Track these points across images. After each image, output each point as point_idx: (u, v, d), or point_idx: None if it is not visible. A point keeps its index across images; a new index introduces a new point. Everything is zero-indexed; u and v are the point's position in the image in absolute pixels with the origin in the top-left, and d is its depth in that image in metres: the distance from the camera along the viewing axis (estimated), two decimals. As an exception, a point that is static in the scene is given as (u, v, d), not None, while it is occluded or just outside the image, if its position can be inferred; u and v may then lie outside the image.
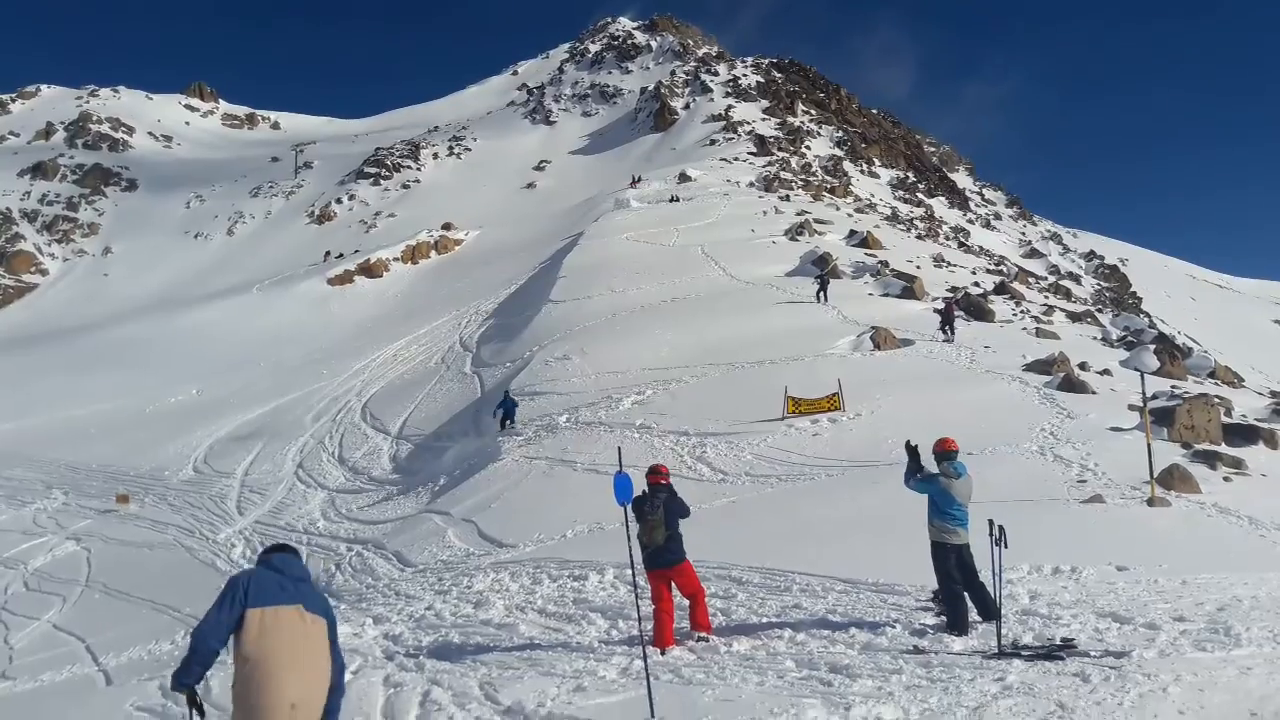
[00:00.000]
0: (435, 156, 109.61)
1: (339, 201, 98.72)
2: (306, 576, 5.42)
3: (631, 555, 9.03)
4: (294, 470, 30.79)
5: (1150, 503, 13.51)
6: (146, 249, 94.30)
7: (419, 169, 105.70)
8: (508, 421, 26.59)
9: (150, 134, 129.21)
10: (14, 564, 25.22)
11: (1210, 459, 16.58)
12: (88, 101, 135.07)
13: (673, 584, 9.57)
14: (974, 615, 9.12)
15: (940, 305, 31.42)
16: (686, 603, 9.72)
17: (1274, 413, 21.66)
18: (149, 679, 12.05)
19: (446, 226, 75.92)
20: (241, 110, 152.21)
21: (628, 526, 8.80)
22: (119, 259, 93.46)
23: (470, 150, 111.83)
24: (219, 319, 59.45)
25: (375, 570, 17.16)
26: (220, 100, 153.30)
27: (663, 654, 9.01)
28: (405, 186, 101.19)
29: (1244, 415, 21.11)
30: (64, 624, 19.78)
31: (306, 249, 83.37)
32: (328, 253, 76.76)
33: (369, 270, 67.31)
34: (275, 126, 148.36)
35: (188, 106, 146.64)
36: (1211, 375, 28.62)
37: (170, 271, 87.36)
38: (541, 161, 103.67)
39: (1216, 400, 21.04)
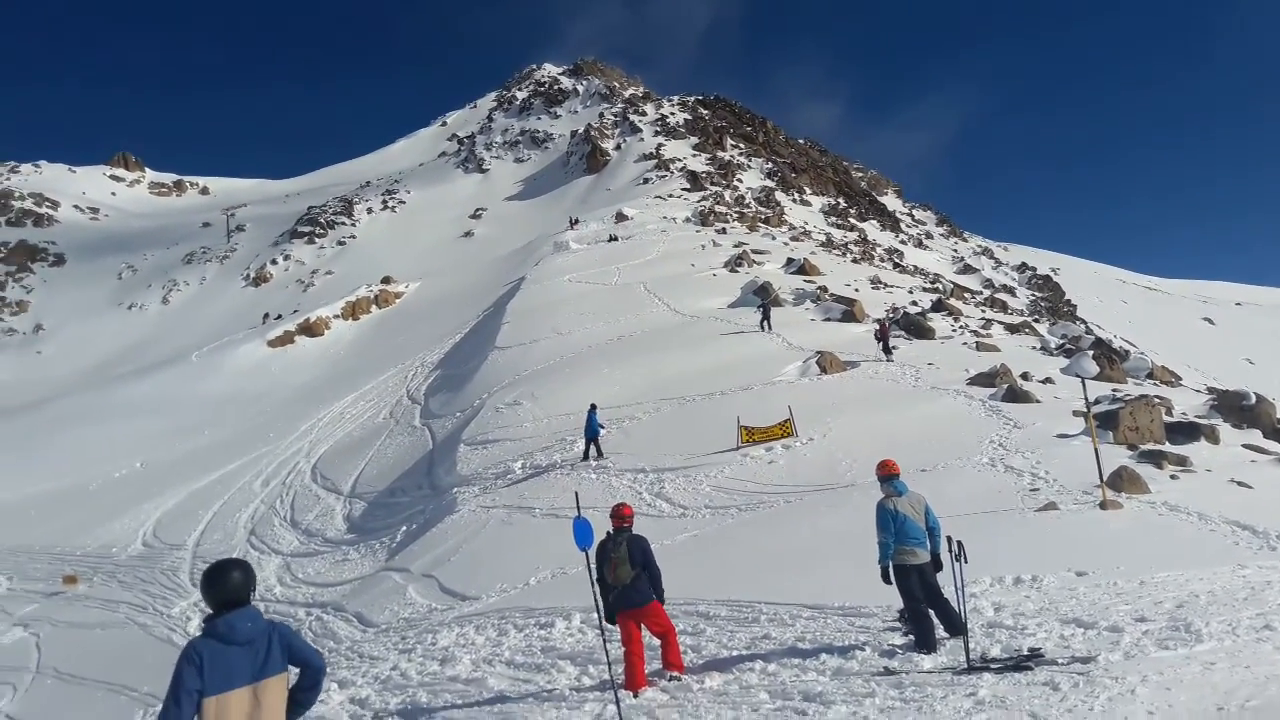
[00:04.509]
0: (369, 211, 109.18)
1: (274, 262, 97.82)
2: (256, 635, 5.04)
3: (597, 600, 8.96)
4: (246, 538, 30.17)
5: (1103, 506, 13.74)
6: (80, 323, 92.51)
7: (353, 225, 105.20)
8: (592, 449, 23.70)
9: (76, 207, 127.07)
10: (-42, 657, 24.36)
11: (1156, 458, 16.92)
12: (8, 178, 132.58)
13: (642, 624, 9.50)
14: (941, 632, 9.18)
15: (875, 327, 31.89)
16: (657, 642, 9.66)
17: (1212, 409, 22.19)
18: (109, 766, 11.69)
19: (386, 280, 75.44)
20: (168, 177, 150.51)
21: (590, 573, 8.74)
22: (51, 335, 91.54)
23: (404, 203, 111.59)
24: (159, 388, 58.24)
25: (336, 633, 16.83)
26: (146, 169, 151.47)
27: (635, 696, 8.91)
28: (341, 243, 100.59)
29: (1184, 413, 21.61)
30: (16, 714, 19.14)
31: (244, 312, 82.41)
32: (266, 314, 75.85)
33: (309, 329, 66.51)
34: (204, 192, 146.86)
35: (113, 177, 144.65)
36: (1150, 376, 29.29)
37: (106, 344, 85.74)
38: (478, 209, 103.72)
39: (1157, 400, 21.53)
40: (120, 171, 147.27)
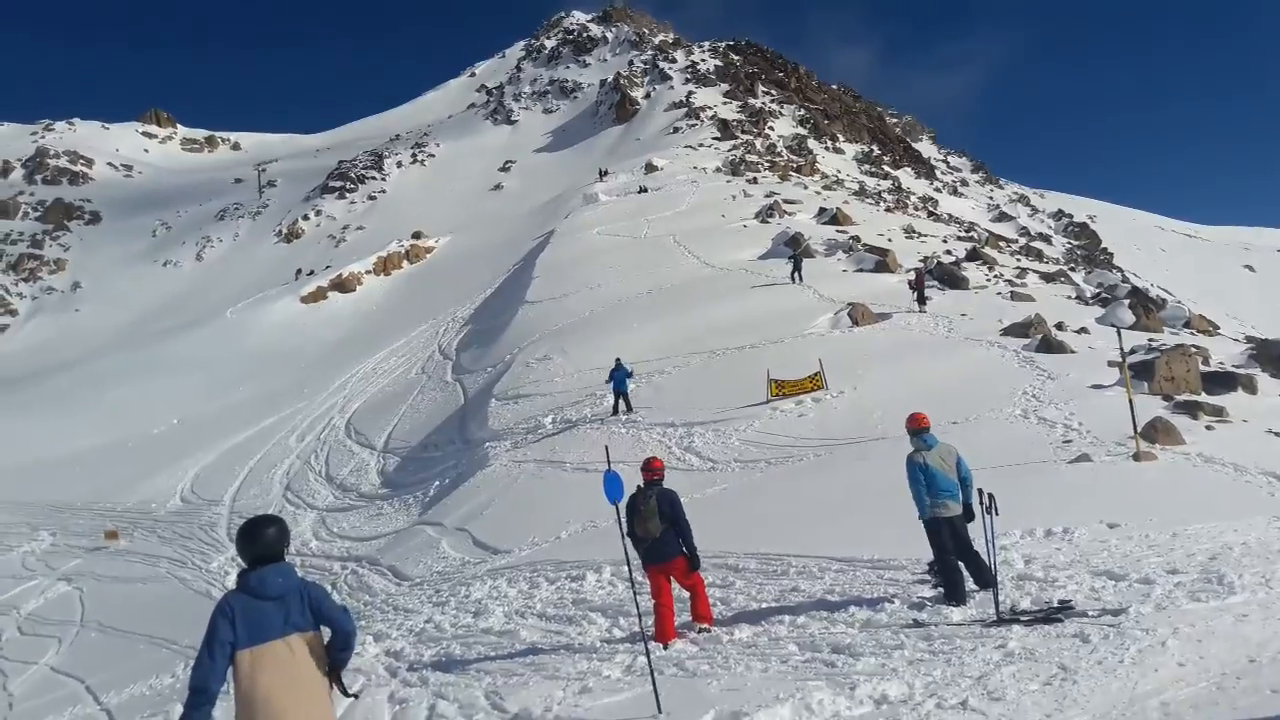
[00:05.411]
0: (399, 165, 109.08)
1: (306, 218, 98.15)
2: (287, 590, 5.17)
3: (627, 552, 9.01)
4: (282, 493, 30.64)
5: (1136, 457, 13.60)
6: (116, 280, 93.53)
7: (384, 179, 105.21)
8: (621, 402, 23.67)
9: (110, 164, 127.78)
10: (6, 609, 24.98)
11: (1192, 409, 16.71)
12: (43, 136, 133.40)
13: (671, 577, 9.56)
14: (971, 584, 9.16)
15: (911, 276, 31.60)
16: (686, 595, 9.72)
17: (1251, 358, 21.85)
18: (153, 715, 11.96)
19: (416, 235, 75.57)
20: (200, 133, 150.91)
21: (621, 525, 8.78)
22: (89, 293, 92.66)
23: (434, 156, 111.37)
24: (195, 346, 58.97)
25: (371, 587, 17.09)
26: (178, 125, 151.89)
27: (665, 648, 8.99)
28: (371, 198, 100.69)
29: (1222, 363, 21.30)
30: (62, 666, 19.61)
31: (277, 268, 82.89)
32: (299, 270, 76.30)
33: (342, 285, 66.93)
34: (235, 147, 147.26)
35: (145, 134, 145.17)
36: (1187, 325, 28.86)
37: (142, 301, 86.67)
38: (507, 162, 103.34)
39: (1194, 350, 21.20)
40: (153, 128, 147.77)
